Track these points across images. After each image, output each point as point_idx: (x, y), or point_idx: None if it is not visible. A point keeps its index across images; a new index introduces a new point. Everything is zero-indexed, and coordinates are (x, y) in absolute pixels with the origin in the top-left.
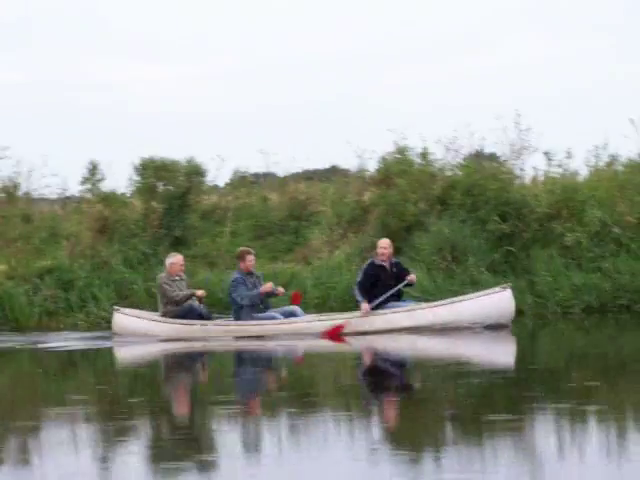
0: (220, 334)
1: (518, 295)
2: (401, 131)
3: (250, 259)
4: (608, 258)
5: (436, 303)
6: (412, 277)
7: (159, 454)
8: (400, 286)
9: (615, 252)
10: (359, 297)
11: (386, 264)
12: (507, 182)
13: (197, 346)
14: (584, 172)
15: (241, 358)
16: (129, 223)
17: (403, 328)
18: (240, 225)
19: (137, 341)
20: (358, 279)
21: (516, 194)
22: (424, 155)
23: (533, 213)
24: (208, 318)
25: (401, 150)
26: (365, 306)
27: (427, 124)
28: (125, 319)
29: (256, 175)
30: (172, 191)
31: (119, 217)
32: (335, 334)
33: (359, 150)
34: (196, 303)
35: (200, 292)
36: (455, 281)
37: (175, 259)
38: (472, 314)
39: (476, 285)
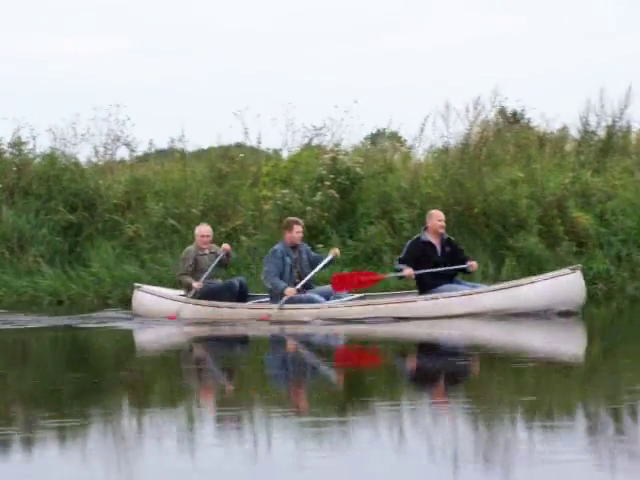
0: (249, 317)
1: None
2: (20, 119)
3: (298, 230)
4: (166, 249)
5: (495, 287)
6: (473, 264)
7: None
8: (451, 268)
9: (173, 243)
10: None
11: (436, 241)
12: (78, 173)
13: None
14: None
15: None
16: None
17: (457, 315)
18: None
19: (159, 323)
20: (399, 256)
21: (90, 184)
22: (18, 144)
23: (104, 204)
24: (244, 294)
25: None
26: (409, 271)
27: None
28: (147, 298)
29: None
30: None
31: None
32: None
33: None
34: (236, 280)
35: (196, 284)
36: (12, 270)
37: (197, 229)
38: (535, 299)
39: (33, 274)
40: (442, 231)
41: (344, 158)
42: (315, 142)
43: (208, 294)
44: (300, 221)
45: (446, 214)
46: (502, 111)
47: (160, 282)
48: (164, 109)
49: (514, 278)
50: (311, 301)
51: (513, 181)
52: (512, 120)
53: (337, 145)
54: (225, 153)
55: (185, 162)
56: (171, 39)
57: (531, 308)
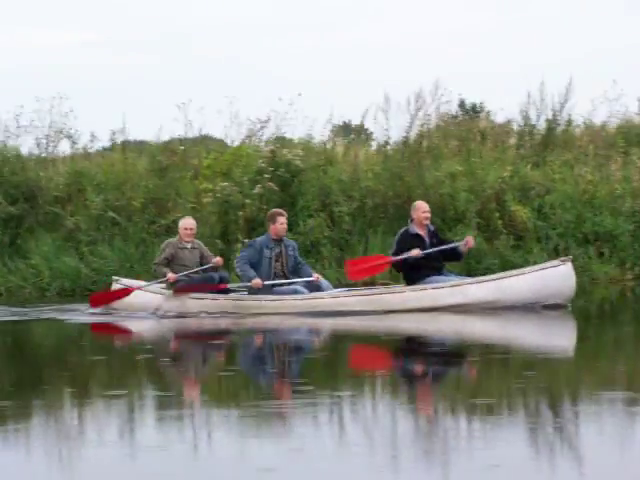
0: (233, 309)
1: None
2: None
3: (282, 221)
4: (105, 242)
5: (484, 278)
6: (470, 240)
7: None
8: (447, 247)
9: (113, 236)
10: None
11: (423, 233)
12: (19, 165)
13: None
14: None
15: None
16: None
17: (445, 306)
18: None
19: (137, 316)
20: (392, 251)
21: (31, 176)
22: None
23: (44, 196)
24: (225, 294)
25: None
26: (416, 251)
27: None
28: None
29: None
30: None
31: None
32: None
33: None
34: (217, 274)
35: (170, 276)
36: None
37: (181, 222)
38: (525, 291)
39: None
40: (427, 222)
41: (284, 151)
42: (259, 135)
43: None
44: (284, 212)
45: (385, 207)
46: (462, 104)
47: (98, 274)
48: (108, 101)
49: (451, 272)
50: (295, 292)
51: (452, 174)
52: (472, 113)
53: (279, 138)
54: (166, 146)
55: (126, 154)
56: (131, 31)
57: (520, 300)
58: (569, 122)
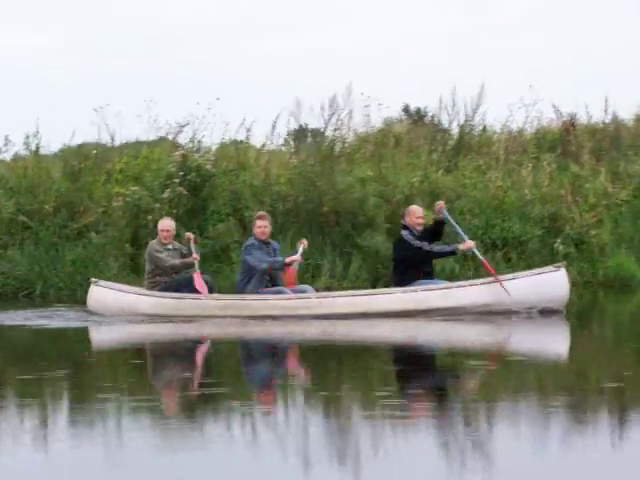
0: (218, 311)
1: None
2: None
3: (260, 224)
4: (15, 246)
5: (477, 282)
6: (440, 204)
7: None
8: (448, 249)
9: (24, 240)
10: (432, 247)
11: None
12: None
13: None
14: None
15: None
16: None
17: (436, 309)
18: None
19: (118, 320)
20: (416, 245)
21: None
22: None
23: None
24: (211, 290)
25: None
26: (468, 243)
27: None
28: (105, 293)
29: None
30: None
31: None
32: None
33: None
34: (198, 273)
35: (195, 255)
36: None
37: (160, 224)
38: (517, 296)
39: None
40: (420, 228)
41: (195, 155)
42: (178, 139)
43: (172, 287)
44: (264, 215)
45: (296, 212)
46: (406, 108)
47: (7, 278)
48: (23, 105)
49: (361, 277)
50: (279, 293)
51: (363, 180)
52: (416, 117)
53: (193, 142)
54: (79, 150)
55: (39, 158)
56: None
57: (513, 305)
58: (484, 128)
